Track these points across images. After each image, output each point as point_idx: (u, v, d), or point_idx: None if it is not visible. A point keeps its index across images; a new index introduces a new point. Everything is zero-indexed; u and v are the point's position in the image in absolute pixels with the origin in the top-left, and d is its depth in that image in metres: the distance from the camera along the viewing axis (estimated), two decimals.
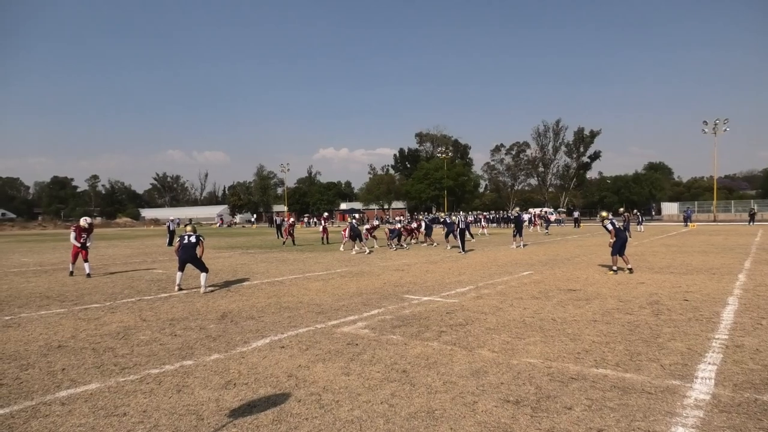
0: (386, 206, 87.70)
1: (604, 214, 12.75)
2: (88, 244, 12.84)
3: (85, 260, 12.58)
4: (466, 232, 22.34)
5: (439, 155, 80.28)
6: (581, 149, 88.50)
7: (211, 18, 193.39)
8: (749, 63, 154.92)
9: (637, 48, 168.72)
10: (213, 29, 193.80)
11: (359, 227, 18.67)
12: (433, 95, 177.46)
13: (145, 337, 6.14)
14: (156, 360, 5.15)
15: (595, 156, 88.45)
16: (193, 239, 9.84)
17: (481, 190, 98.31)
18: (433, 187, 77.67)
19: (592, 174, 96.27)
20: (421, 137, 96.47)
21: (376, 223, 24.69)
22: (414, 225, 25.03)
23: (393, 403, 3.88)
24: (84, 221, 13.12)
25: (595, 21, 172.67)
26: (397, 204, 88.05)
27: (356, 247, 19.06)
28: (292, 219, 26.08)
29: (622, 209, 24.92)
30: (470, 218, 35.68)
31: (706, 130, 59.63)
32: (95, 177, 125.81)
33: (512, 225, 23.24)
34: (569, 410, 3.66)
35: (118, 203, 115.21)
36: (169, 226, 26.16)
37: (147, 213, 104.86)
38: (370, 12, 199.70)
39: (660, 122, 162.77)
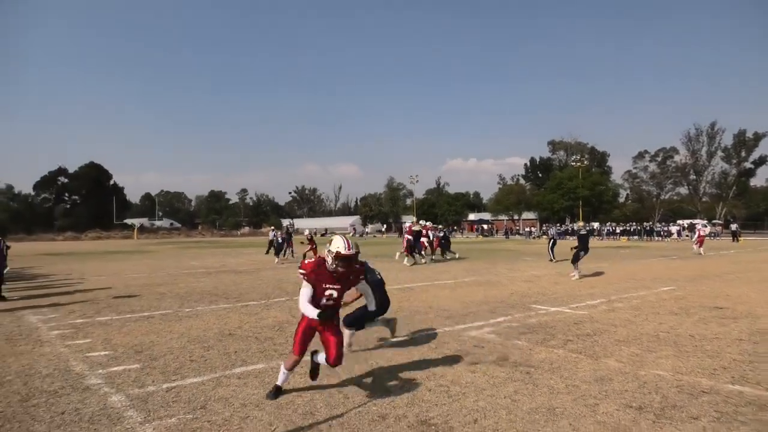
0: (516, 217, 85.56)
1: None
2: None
3: None
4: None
5: (573, 164, 76.59)
6: (743, 154, 78.62)
7: (338, 39, 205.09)
8: None
9: None
10: (340, 50, 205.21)
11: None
12: (565, 96, 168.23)
13: None
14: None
15: (761, 161, 77.93)
16: None
17: (622, 200, 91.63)
18: (567, 197, 74.19)
19: (757, 181, 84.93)
20: (554, 145, 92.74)
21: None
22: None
23: (515, 398, 4.20)
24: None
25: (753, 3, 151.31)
26: (528, 215, 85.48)
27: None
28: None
29: None
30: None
31: None
32: (244, 190, 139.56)
33: (576, 243, 14.44)
34: (695, 420, 3.70)
35: (263, 214, 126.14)
36: (276, 237, 22.60)
37: (287, 223, 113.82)
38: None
39: None
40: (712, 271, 15.28)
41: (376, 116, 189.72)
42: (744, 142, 77.98)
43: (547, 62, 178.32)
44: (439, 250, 21.76)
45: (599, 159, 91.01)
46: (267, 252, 23.28)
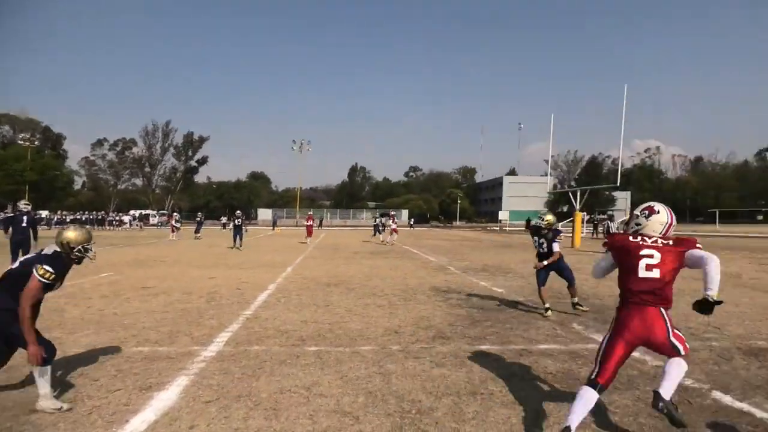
0: None
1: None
2: None
3: None
4: None
5: (22, 142, 67.14)
6: (190, 153, 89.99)
7: None
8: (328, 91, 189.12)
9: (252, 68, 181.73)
10: None
11: None
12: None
13: None
14: None
15: (203, 161, 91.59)
16: None
17: (78, 187, 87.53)
18: (12, 179, 64.53)
19: (200, 178, 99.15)
20: None
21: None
22: None
23: None
24: None
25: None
26: None
27: None
28: None
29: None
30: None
31: (295, 148, 70.40)
32: None
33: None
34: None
35: None
36: None
37: None
38: None
39: (262, 137, 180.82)
40: (152, 257, 17.08)
41: None
42: (192, 143, 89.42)
43: None
44: None
45: (54, 141, 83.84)
46: None
